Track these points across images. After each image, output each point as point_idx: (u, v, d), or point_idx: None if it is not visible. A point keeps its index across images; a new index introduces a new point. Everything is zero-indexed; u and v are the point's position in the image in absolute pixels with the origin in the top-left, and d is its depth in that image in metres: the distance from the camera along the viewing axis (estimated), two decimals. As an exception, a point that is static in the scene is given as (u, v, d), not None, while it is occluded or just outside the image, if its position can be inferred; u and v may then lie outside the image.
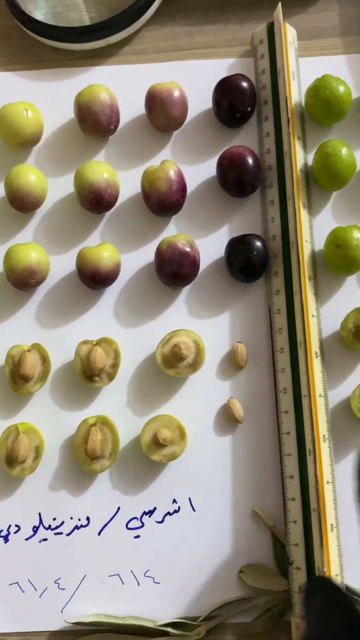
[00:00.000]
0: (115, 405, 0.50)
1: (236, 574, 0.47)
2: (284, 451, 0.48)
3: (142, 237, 0.54)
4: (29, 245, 0.51)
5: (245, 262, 0.50)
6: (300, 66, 0.57)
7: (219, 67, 0.57)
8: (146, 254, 0.53)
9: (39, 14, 0.58)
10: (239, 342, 0.51)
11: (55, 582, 0.48)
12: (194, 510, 0.49)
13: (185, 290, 0.53)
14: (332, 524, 0.45)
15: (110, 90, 0.54)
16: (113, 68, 0.58)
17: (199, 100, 0.56)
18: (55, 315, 0.52)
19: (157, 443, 0.47)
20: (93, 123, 0.53)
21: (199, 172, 0.55)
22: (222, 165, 0.53)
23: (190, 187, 0.54)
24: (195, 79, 0.57)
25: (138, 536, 0.48)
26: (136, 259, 0.53)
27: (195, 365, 0.49)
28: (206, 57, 0.58)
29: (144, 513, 0.49)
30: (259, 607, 0.46)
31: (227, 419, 0.50)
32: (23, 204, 0.52)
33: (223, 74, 0.56)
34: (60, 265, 0.53)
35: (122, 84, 0.57)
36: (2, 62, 0.58)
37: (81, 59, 0.58)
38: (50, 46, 0.58)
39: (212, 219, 0.54)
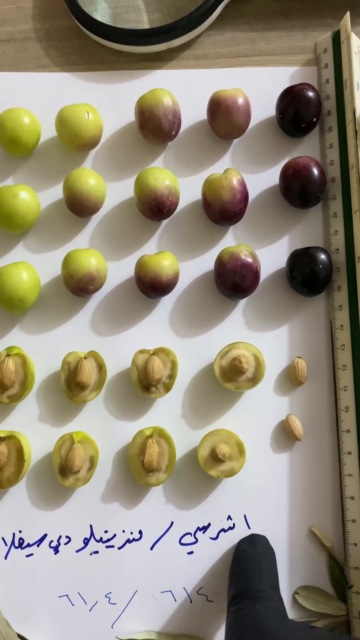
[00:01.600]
0: (170, 417, 0.49)
1: (291, 595, 0.46)
2: (344, 471, 0.47)
3: (200, 246, 0.53)
4: (88, 251, 0.50)
5: (308, 275, 0.49)
6: (365, 76, 0.55)
7: (281, 75, 0.56)
8: (203, 263, 0.52)
9: (99, 15, 0.57)
10: (298, 357, 0.50)
11: (106, 597, 0.47)
12: (249, 527, 0.47)
13: (244, 301, 0.52)
14: (394, 549, 0.44)
15: (173, 95, 0.53)
16: (173, 72, 0.57)
17: (261, 108, 0.55)
18: (110, 323, 0.51)
19: (216, 458, 0.46)
20: (155, 128, 0.52)
21: (260, 181, 0.54)
22: (286, 175, 0.51)
23: (250, 196, 0.53)
24: (257, 86, 0.56)
25: (191, 552, 0.47)
26: (193, 268, 0.52)
27: (255, 380, 0.48)
28: (268, 65, 0.57)
29: (198, 529, 0.48)
30: (316, 631, 0.45)
31: (285, 436, 0.49)
32: (82, 208, 0.51)
33: (285, 82, 0.55)
34: (117, 272, 0.52)
35: (183, 89, 0.56)
36: (61, 62, 0.57)
37: (140, 61, 0.57)
38: (109, 48, 0.57)
39: (273, 230, 0.53)
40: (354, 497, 0.46)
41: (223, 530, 0.47)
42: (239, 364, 0.47)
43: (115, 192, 0.54)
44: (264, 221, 0.53)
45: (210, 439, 0.47)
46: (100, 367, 0.49)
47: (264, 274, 0.52)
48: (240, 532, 0.47)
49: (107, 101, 0.56)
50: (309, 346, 0.50)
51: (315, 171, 0.51)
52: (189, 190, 0.54)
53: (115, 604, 0.47)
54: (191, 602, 0.46)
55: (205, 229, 0.53)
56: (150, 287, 0.49)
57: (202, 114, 0.55)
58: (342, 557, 0.46)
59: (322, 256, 0.50)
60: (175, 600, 0.46)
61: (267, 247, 0.53)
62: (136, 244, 0.53)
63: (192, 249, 0.53)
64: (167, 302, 0.52)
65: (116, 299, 0.52)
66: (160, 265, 0.49)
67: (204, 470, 0.47)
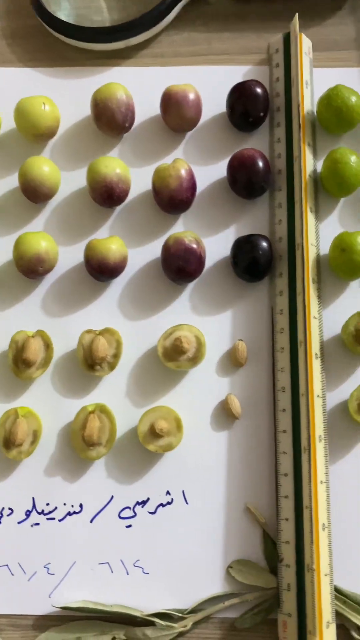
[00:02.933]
0: (114, 394, 0.51)
1: (225, 569, 0.47)
2: (279, 449, 0.49)
3: (150, 233, 0.55)
4: (39, 234, 0.52)
5: (250, 262, 0.51)
6: (314, 76, 0.58)
7: (235, 74, 0.59)
8: (154, 249, 0.54)
9: (62, 15, 0.60)
10: (240, 339, 0.52)
11: (44, 567, 0.48)
12: (187, 503, 0.49)
13: (190, 286, 0.53)
14: (323, 523, 0.45)
15: (127, 89, 0.55)
16: (131, 69, 0.60)
17: (214, 103, 0.57)
18: (60, 305, 0.53)
19: (154, 433, 0.48)
20: (108, 120, 0.54)
21: (210, 173, 0.56)
22: (232, 166, 0.54)
23: (200, 187, 0.56)
24: (210, 84, 0.58)
25: (130, 526, 0.49)
26: (143, 254, 0.54)
27: (195, 360, 0.50)
28: (223, 64, 0.59)
29: (137, 503, 0.49)
30: (247, 602, 0.46)
31: (224, 415, 0.50)
32: (36, 194, 0.53)
33: (238, 79, 0.58)
34: (69, 256, 0.54)
35: (139, 85, 0.58)
36: (25, 59, 0.60)
37: (101, 58, 0.60)
38: (72, 45, 0.60)
39: (220, 219, 0.55)
40: (287, 474, 0.48)
41: (161, 505, 0.49)
42: (179, 344, 0.49)
43: (71, 181, 0.56)
44: (212, 211, 0.55)
45: (150, 415, 0.49)
46: (47, 346, 0.51)
47: (210, 261, 0.54)
48: (179, 507, 0.49)
49: (67, 95, 0.58)
50: (250, 329, 0.52)
51: (260, 162, 0.53)
52: (142, 180, 0.56)
53: (53, 574, 0.48)
54: (127, 574, 0.48)
55: (155, 217, 0.55)
56: (98, 269, 0.51)
57: (157, 110, 0.57)
58: (275, 533, 0.47)
59: (264, 243, 0.52)
60: (112, 572, 0.48)
61: (214, 235, 0.55)
62: (89, 230, 0.55)
63: (143, 235, 0.55)
64: (116, 286, 0.54)
65: (67, 282, 0.54)
66: (107, 249, 0.51)
67: (144, 447, 0.48)
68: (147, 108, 0.58)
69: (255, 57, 0.60)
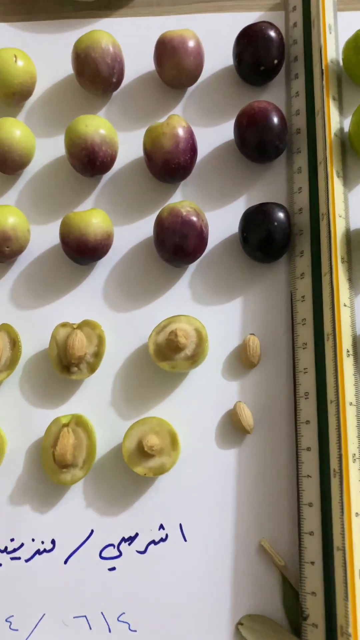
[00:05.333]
0: (94, 403, 0.41)
1: (235, 626, 0.37)
2: (302, 472, 0.38)
3: (142, 206, 0.46)
4: (5, 207, 0.43)
5: (263, 237, 0.41)
6: (339, 22, 0.48)
7: (244, 21, 0.49)
8: (145, 226, 0.45)
9: None
10: (251, 334, 0.42)
11: (6, 621, 0.38)
12: (185, 540, 0.39)
13: (190, 269, 0.44)
14: (361, 570, 0.35)
15: (115, 39, 0.46)
16: (122, 20, 0.51)
17: (219, 54, 0.48)
18: (33, 293, 0.44)
19: (143, 452, 0.38)
20: (92, 74, 0.45)
21: (215, 134, 0.47)
22: (240, 124, 0.44)
23: (203, 152, 0.46)
24: (215, 32, 0.49)
25: (113, 568, 0.38)
26: (133, 231, 0.45)
27: (195, 358, 0.40)
28: (229, 10, 0.50)
29: (123, 540, 0.39)
30: (262, 673, 0.36)
31: (232, 428, 0.40)
32: (4, 161, 0.44)
33: (248, 26, 0.48)
34: (45, 236, 0.45)
35: (132, 37, 0.49)
36: (-2, 11, 0.51)
37: (85, 10, 0.51)
38: (53, -5, 0.51)
39: (228, 188, 0.45)
40: (312, 503, 0.37)
41: (153, 542, 0.39)
42: (174, 338, 0.39)
43: (50, 148, 0.47)
44: (219, 178, 0.46)
45: (138, 429, 0.39)
46: (14, 343, 0.41)
47: (216, 238, 0.44)
48: (175, 545, 0.38)
49: (46, 51, 0.50)
50: (264, 321, 0.42)
51: (274, 117, 0.43)
52: (133, 145, 0.47)
53: (17, 630, 0.38)
54: (110, 631, 0.38)
55: (148, 187, 0.46)
56: (76, 248, 0.42)
57: (151, 64, 0.48)
58: (298, 580, 0.37)
59: (280, 214, 0.42)
60: (91, 629, 0.38)
61: (220, 207, 0.45)
62: (68, 205, 0.46)
63: (133, 209, 0.46)
64: (99, 270, 0.44)
65: (41, 266, 0.45)
66: (86, 223, 0.41)
67: (131, 469, 0.38)
68: (139, 63, 0.49)
69: (268, 1, 0.50)
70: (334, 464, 0.36)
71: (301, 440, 0.39)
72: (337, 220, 0.41)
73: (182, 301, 0.43)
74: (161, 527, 0.39)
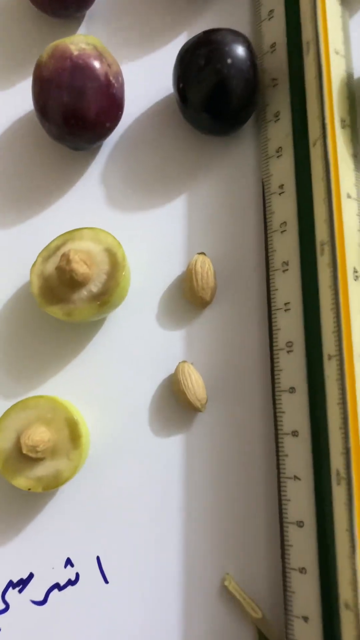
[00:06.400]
0: None
1: None
2: (285, 471, 0.24)
3: (20, 52, 0.28)
4: None
5: (212, 89, 0.25)
6: None
7: None
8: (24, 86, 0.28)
9: None
10: (200, 253, 0.26)
11: None
12: (105, 581, 0.25)
13: (101, 153, 0.27)
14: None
15: None
16: None
17: None
18: None
19: (22, 455, 0.23)
20: None
21: None
22: None
23: None
24: None
25: (-4, 630, 0.25)
26: (11, 97, 0.28)
27: (105, 297, 0.24)
28: None
29: (10, 585, 0.25)
30: None
31: (174, 404, 0.25)
32: None
33: None
34: None
35: None
36: None
37: None
38: None
39: (158, 22, 0.28)
40: (302, 522, 0.23)
41: (57, 586, 0.25)
42: (65, 265, 0.23)
43: None
44: (142, 7, 0.28)
45: (16, 417, 0.24)
46: None
47: (140, 100, 0.28)
48: (90, 589, 0.24)
49: None
50: (221, 232, 0.26)
51: None
52: None
53: None
54: None
55: (32, 26, 0.29)
56: None
57: None
58: (281, 637, 0.23)
59: (238, 49, 0.25)
60: None
61: (146, 52, 0.28)
62: None
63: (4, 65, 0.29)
64: None
65: None
66: None
67: (8, 482, 0.24)
68: None
69: None
70: (336, 461, 0.22)
71: (283, 421, 0.24)
72: (332, 58, 0.25)
73: (87, 206, 0.27)
74: (68, 562, 0.25)
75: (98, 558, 0.25)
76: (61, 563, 0.25)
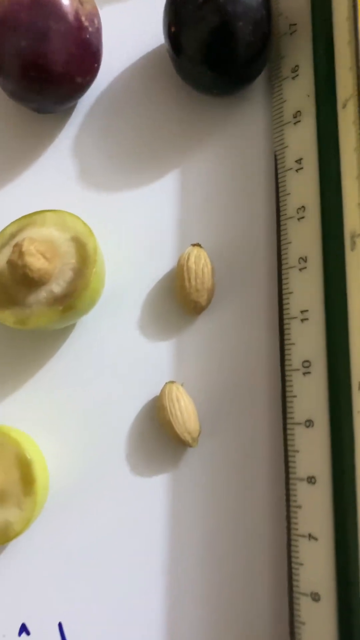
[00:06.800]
0: None
1: None
2: (297, 529, 0.19)
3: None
4: None
5: (212, 36, 0.19)
6: None
7: None
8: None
9: None
10: (195, 244, 0.21)
11: None
12: (69, 655, 0.20)
13: (76, 115, 0.22)
14: None
15: None
16: None
17: None
18: None
19: None
20: None
21: None
22: None
23: None
24: None
25: None
26: None
27: (69, 299, 0.19)
28: None
29: None
30: None
31: (159, 436, 0.20)
32: None
33: None
34: None
35: None
36: None
37: None
38: None
39: None
40: (318, 594, 0.18)
41: (9, 660, 0.20)
42: (16, 259, 0.18)
43: None
44: None
45: None
46: None
47: (122, 48, 0.22)
48: (51, 665, 0.20)
49: None
50: (221, 219, 0.21)
51: None
52: None
53: None
54: None
55: None
56: None
57: None
58: None
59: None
60: None
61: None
62: None
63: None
64: None
65: None
66: None
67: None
68: None
69: None
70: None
71: (296, 462, 0.19)
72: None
73: (52, 183, 0.22)
74: (24, 630, 0.20)
75: (60, 625, 0.20)
76: (14, 630, 0.20)
